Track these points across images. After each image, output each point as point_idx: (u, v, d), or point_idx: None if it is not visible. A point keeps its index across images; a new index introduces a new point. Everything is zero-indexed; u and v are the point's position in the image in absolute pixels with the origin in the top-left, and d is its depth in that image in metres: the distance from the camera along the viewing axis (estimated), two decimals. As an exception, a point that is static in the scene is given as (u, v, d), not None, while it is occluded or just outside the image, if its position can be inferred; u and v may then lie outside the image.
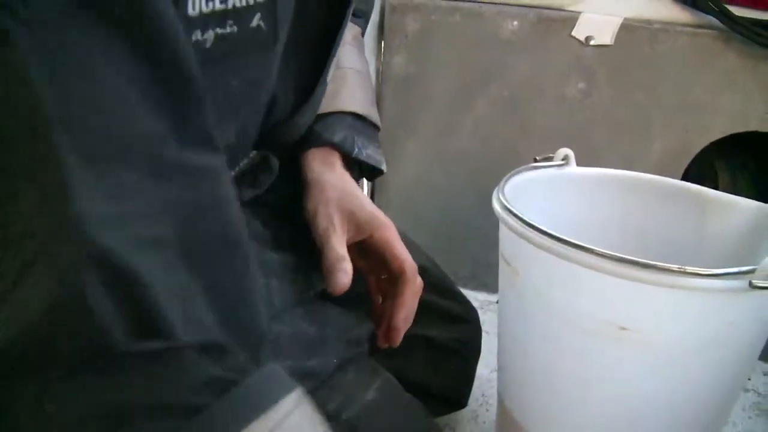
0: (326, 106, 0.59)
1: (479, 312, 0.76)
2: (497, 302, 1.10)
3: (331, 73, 0.55)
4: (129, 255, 0.27)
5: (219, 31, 0.38)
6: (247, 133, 0.49)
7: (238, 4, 0.38)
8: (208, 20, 0.37)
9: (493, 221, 0.63)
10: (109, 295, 0.27)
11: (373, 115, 0.63)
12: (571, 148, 0.75)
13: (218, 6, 0.37)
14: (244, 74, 0.43)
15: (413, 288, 0.56)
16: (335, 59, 0.54)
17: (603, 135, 1.04)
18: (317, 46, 0.52)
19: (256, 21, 0.40)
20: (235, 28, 0.39)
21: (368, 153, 0.60)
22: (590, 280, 0.54)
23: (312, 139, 0.58)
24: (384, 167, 0.63)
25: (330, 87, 0.57)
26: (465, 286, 0.80)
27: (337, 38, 0.52)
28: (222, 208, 0.32)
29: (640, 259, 0.51)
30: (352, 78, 0.62)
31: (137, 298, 0.28)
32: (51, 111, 0.26)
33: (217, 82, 0.41)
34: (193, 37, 0.37)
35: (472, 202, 1.09)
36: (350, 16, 0.52)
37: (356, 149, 0.59)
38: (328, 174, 0.57)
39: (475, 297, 1.08)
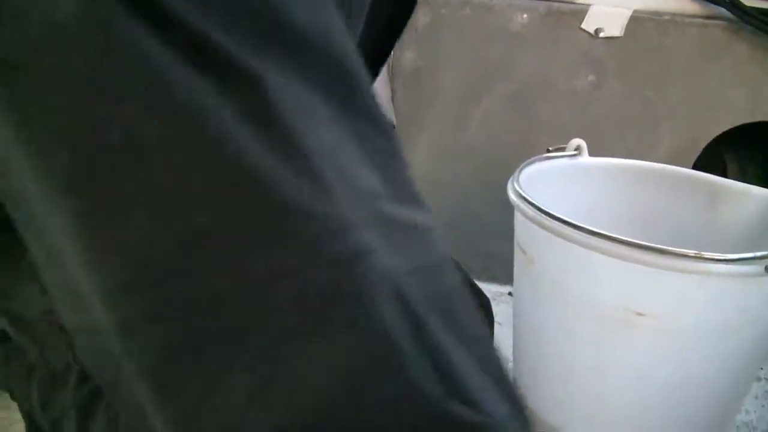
0: None
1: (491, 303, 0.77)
2: (509, 293, 1.10)
3: None
4: (421, 304, 0.23)
5: None
6: None
7: None
8: None
9: (503, 213, 0.64)
10: (417, 343, 0.22)
11: (387, 114, 0.64)
12: (582, 141, 0.76)
13: None
14: None
15: None
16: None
17: (612, 127, 1.04)
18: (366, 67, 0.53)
19: None
20: None
21: None
22: (607, 266, 0.55)
23: None
24: None
25: None
26: (476, 278, 0.80)
27: (383, 60, 0.52)
28: (449, 267, 0.28)
29: (657, 245, 0.52)
30: None
31: (439, 352, 0.23)
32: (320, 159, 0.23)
33: None
34: None
35: (482, 195, 1.10)
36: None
37: None
38: None
39: (487, 289, 1.08)
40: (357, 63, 0.26)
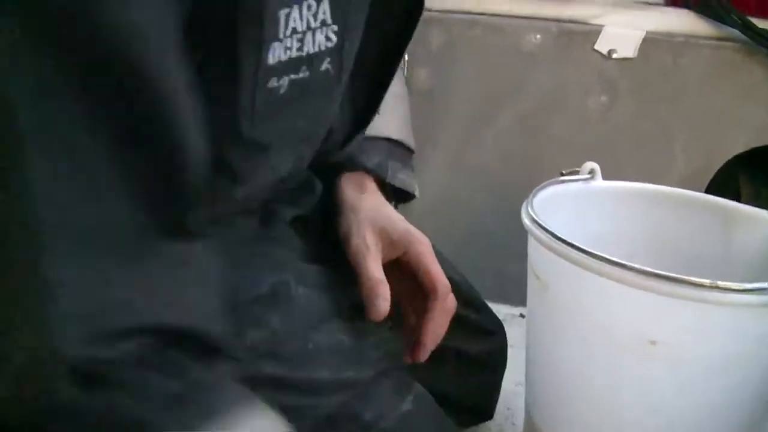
0: None
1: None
2: (521, 315, 1.10)
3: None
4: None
5: (293, 77, 0.39)
6: (302, 164, 0.50)
7: (311, 51, 0.39)
8: (285, 68, 0.38)
9: (516, 234, 0.64)
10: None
11: (407, 139, 0.64)
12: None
13: (295, 54, 0.38)
14: (309, 114, 0.44)
15: (444, 306, 0.56)
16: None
17: (625, 149, 1.04)
18: (373, 77, 0.53)
19: (325, 65, 0.41)
20: (308, 73, 0.40)
21: (401, 178, 0.62)
22: (621, 294, 0.55)
23: (347, 163, 0.59)
24: (416, 192, 0.64)
25: None
26: (488, 298, 0.81)
27: (392, 70, 0.53)
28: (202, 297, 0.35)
29: (671, 274, 0.51)
30: (389, 102, 0.62)
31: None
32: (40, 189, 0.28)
33: (285, 125, 0.42)
34: (269, 84, 0.38)
35: (495, 215, 1.10)
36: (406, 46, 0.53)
37: (389, 174, 0.60)
38: (362, 197, 0.58)
39: (499, 310, 1.08)
40: (181, 109, 0.33)
